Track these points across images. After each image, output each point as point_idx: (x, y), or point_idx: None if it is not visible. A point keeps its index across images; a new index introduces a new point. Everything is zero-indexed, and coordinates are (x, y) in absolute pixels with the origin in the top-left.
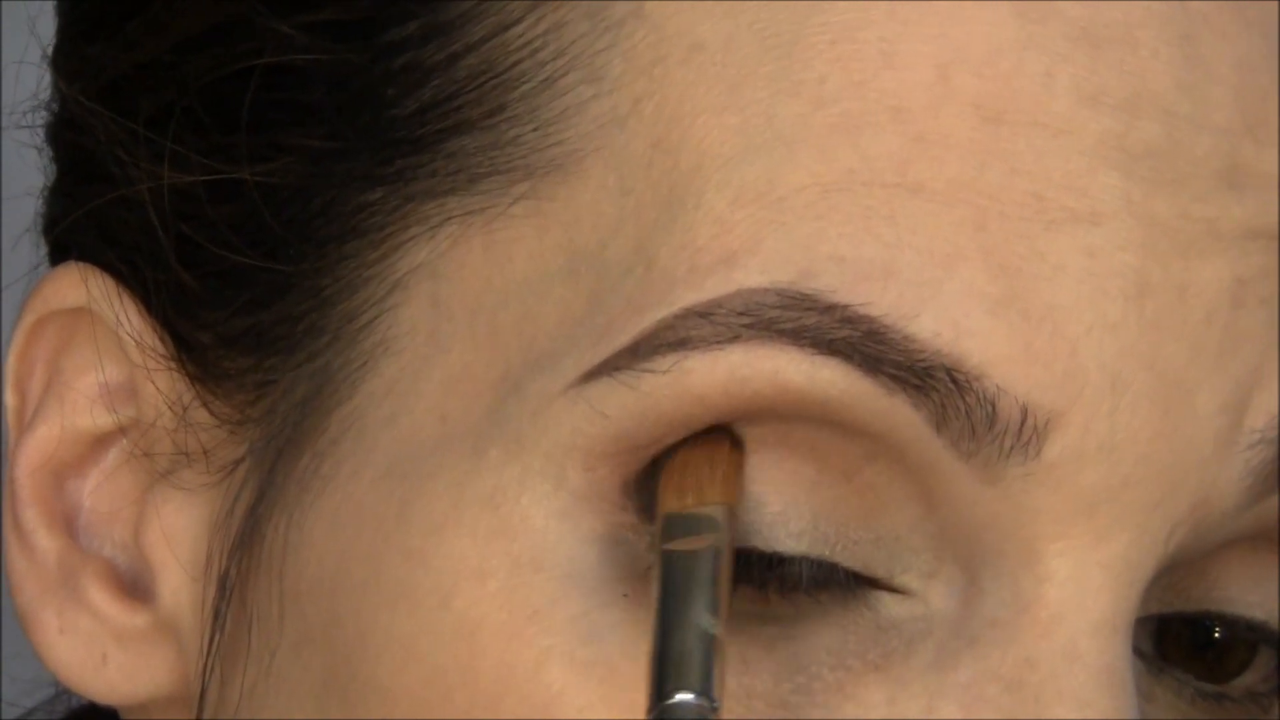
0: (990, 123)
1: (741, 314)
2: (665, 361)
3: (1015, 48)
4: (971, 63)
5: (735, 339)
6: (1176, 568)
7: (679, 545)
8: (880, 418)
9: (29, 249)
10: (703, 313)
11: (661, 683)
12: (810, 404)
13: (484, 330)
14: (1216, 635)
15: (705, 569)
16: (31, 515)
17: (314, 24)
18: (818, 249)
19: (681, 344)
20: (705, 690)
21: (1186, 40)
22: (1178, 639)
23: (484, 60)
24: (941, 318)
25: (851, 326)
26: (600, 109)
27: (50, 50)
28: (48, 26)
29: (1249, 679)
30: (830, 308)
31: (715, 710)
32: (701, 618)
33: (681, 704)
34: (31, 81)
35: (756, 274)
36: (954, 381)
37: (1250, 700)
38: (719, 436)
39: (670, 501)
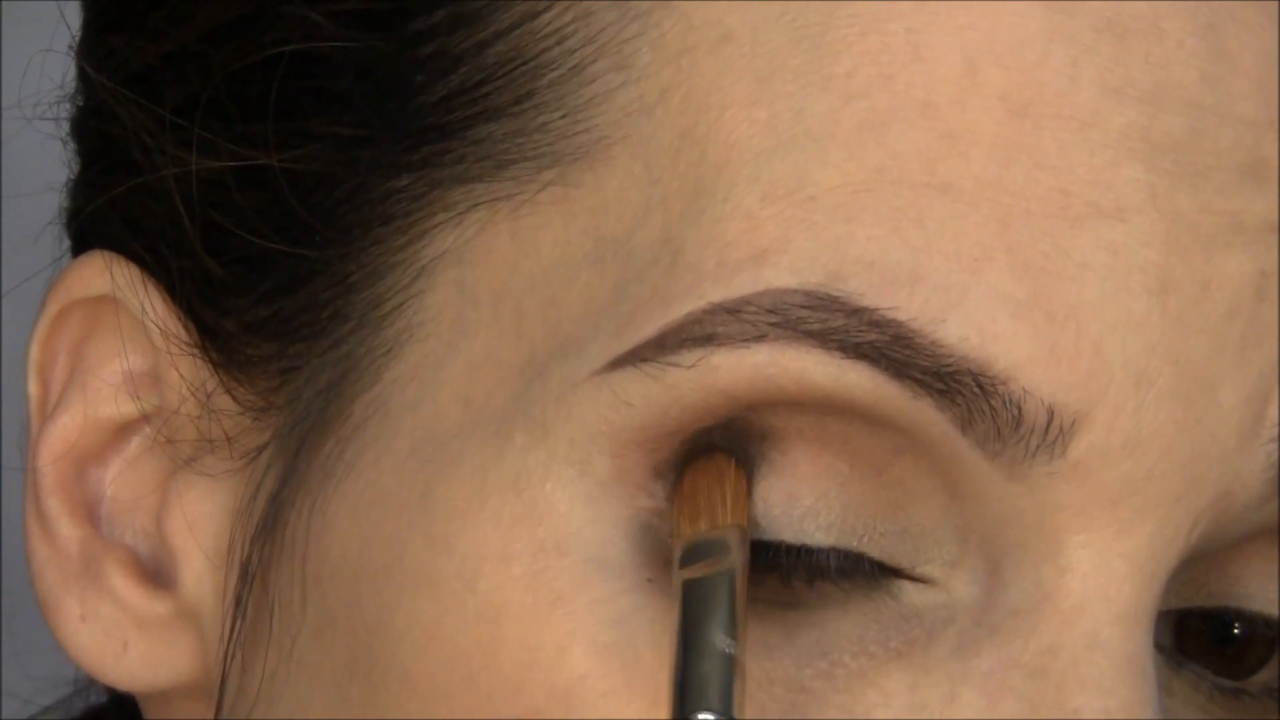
0: (1016, 117)
1: (770, 312)
2: (691, 356)
3: (1042, 39)
4: (998, 55)
5: (762, 338)
6: (1196, 562)
7: (694, 572)
8: (905, 417)
9: (40, 245)
10: (731, 309)
11: (683, 704)
12: (836, 403)
13: (509, 316)
14: (1236, 631)
15: (720, 592)
16: (54, 504)
17: (341, 12)
18: (847, 251)
19: (708, 339)
20: (725, 710)
21: (1211, 31)
22: (1197, 634)
23: (512, 47)
24: (968, 323)
25: (879, 330)
26: (628, 97)
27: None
28: (64, 17)
29: (1267, 675)
30: (858, 310)
31: None
32: (719, 640)
33: None
34: (37, 77)
35: (786, 274)
36: (980, 386)
37: (1268, 696)
38: (724, 458)
39: (684, 529)
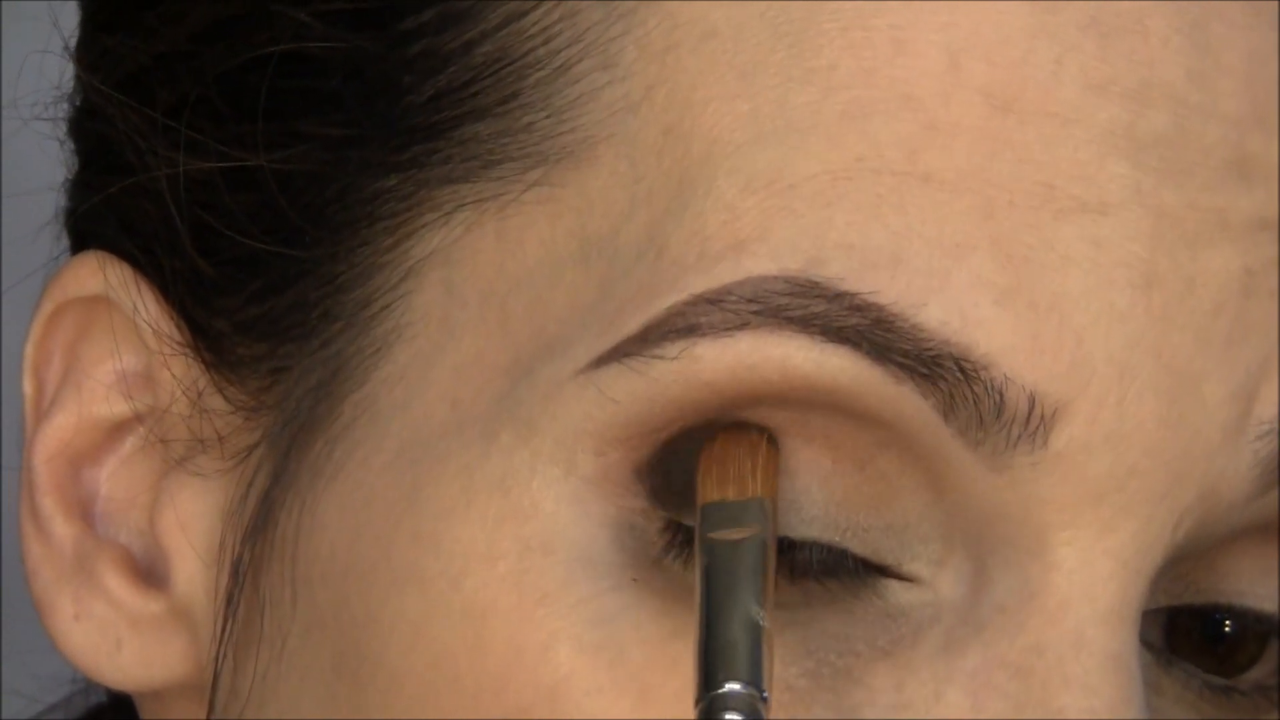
0: (1000, 112)
1: (751, 301)
2: (674, 348)
3: (1025, 36)
4: (982, 50)
5: (744, 326)
6: (1185, 559)
7: (723, 535)
8: (888, 405)
9: (38, 245)
10: (712, 299)
11: (711, 672)
12: (819, 391)
13: (495, 316)
14: (1226, 629)
15: (751, 559)
16: (48, 503)
17: (330, 12)
18: (826, 237)
19: (690, 330)
20: (754, 680)
21: (1197, 29)
22: (1187, 632)
23: (499, 47)
24: (949, 307)
25: (860, 314)
26: (613, 96)
27: (71, 42)
28: (59, 21)
29: (1258, 673)
30: (839, 295)
31: (765, 700)
32: (750, 607)
33: (730, 693)
34: (36, 77)
35: (766, 261)
36: (962, 371)
37: (1259, 694)
38: (758, 432)
39: (710, 491)
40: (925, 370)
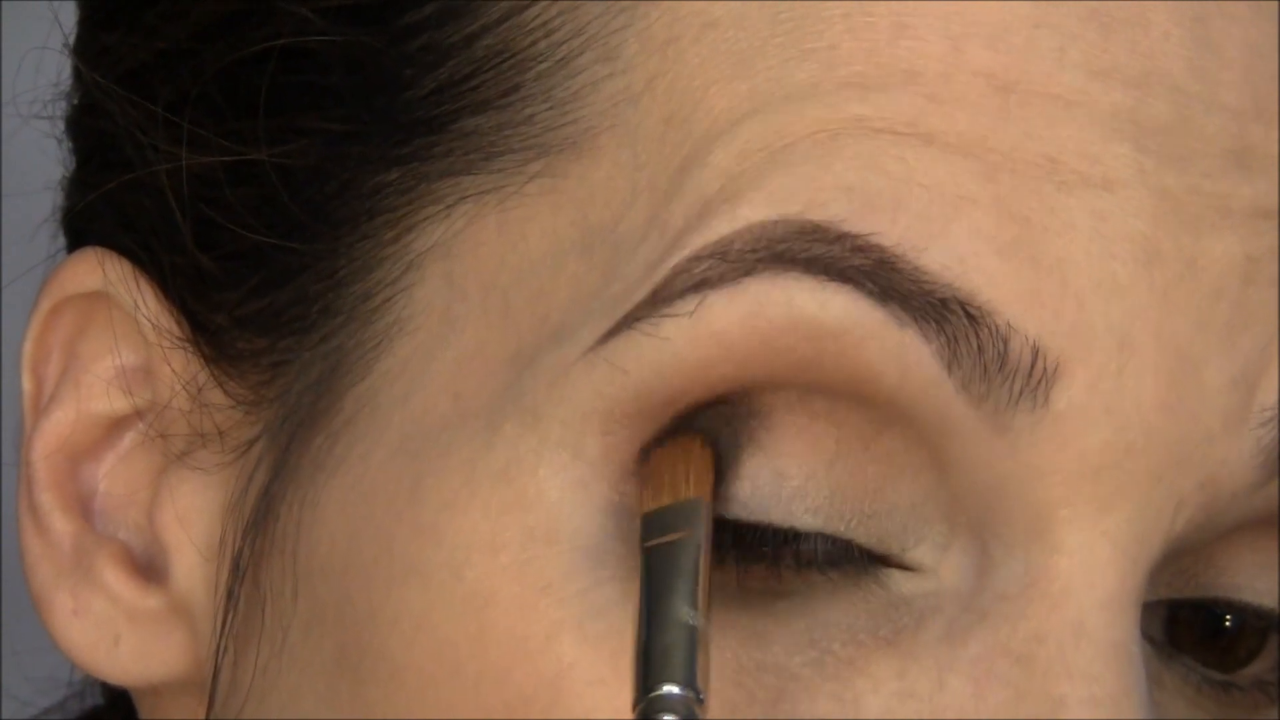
0: (1003, 91)
1: (753, 250)
2: (685, 304)
3: (1027, 25)
4: (984, 37)
5: (749, 273)
6: (1186, 553)
7: (656, 541)
8: (891, 357)
9: (36, 242)
10: (714, 253)
11: (646, 676)
12: (824, 336)
13: (497, 308)
14: (1226, 623)
15: (682, 561)
16: (47, 499)
17: (331, 7)
18: (824, 180)
19: (700, 285)
20: (689, 681)
21: (1198, 23)
22: (1188, 626)
23: (500, 40)
24: (950, 253)
25: (863, 255)
26: (614, 88)
27: (71, 40)
28: (59, 18)
29: (1257, 668)
30: (840, 237)
31: (701, 701)
32: (681, 610)
33: (667, 695)
34: (33, 75)
35: (763, 208)
36: (967, 315)
37: (1258, 689)
38: (690, 436)
39: (648, 502)
40: (929, 313)
